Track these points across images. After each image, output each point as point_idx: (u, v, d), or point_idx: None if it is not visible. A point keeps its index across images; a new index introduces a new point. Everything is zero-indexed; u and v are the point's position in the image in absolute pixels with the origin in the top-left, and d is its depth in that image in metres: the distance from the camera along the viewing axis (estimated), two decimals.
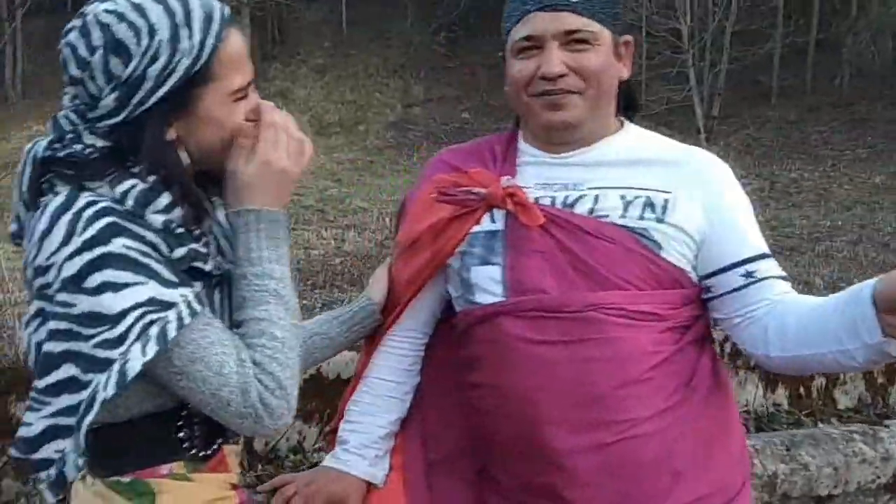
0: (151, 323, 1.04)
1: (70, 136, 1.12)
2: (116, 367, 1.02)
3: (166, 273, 1.08)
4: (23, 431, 1.09)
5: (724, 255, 1.42)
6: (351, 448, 1.55)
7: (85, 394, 1.04)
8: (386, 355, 1.59)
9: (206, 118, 1.14)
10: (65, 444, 1.06)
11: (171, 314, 1.05)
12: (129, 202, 1.09)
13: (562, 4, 1.39)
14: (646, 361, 1.38)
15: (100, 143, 1.11)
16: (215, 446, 1.20)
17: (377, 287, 1.56)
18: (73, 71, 1.11)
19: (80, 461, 1.05)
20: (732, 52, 15.27)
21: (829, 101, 17.13)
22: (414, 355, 1.62)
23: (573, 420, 1.38)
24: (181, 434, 1.15)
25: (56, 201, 1.07)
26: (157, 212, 1.10)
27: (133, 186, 1.09)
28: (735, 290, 1.41)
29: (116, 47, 1.08)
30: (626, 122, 1.51)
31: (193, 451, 1.17)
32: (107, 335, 1.03)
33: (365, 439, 1.55)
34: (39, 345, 1.10)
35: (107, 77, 1.09)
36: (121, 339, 1.02)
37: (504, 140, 1.57)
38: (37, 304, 1.10)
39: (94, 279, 1.03)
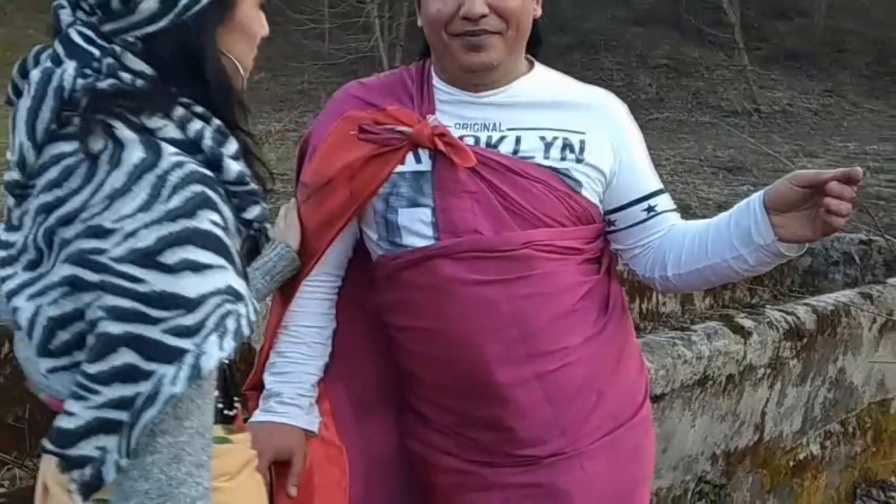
0: (229, 314, 0.90)
1: (108, 60, 0.94)
2: (189, 359, 0.87)
3: (236, 256, 0.94)
4: (62, 422, 0.89)
5: (628, 192, 1.52)
6: (286, 399, 1.49)
7: (145, 386, 0.86)
8: (306, 302, 1.55)
9: (240, 26, 1.04)
10: (108, 440, 0.87)
11: (243, 308, 0.92)
12: (207, 143, 0.95)
13: None
14: (574, 293, 1.47)
15: (143, 66, 0.95)
16: (237, 404, 1.06)
17: (292, 232, 1.49)
18: None
19: (124, 462, 0.87)
20: (411, 5, 15.87)
21: None
22: (331, 299, 1.59)
23: (514, 355, 1.43)
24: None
25: (133, 154, 0.90)
26: (231, 157, 0.97)
27: (204, 126, 0.96)
28: (637, 223, 1.53)
29: None
30: (535, 63, 1.55)
31: (224, 412, 1.07)
32: (181, 321, 0.87)
33: (299, 388, 1.51)
34: (53, 318, 0.92)
35: None
36: (197, 328, 0.87)
37: (416, 76, 1.53)
38: (65, 269, 0.90)
39: (174, 255, 0.87)
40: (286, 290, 1.52)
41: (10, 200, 0.98)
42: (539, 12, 1.50)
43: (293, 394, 1.49)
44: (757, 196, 1.42)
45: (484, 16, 1.39)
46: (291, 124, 13.73)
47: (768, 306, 4.02)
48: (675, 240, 1.52)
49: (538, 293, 1.43)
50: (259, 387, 1.54)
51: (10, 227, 1.00)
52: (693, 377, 2.33)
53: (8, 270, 0.98)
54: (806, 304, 2.80)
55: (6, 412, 2.17)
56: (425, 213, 1.43)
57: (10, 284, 0.96)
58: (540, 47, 1.58)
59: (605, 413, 1.50)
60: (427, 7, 1.44)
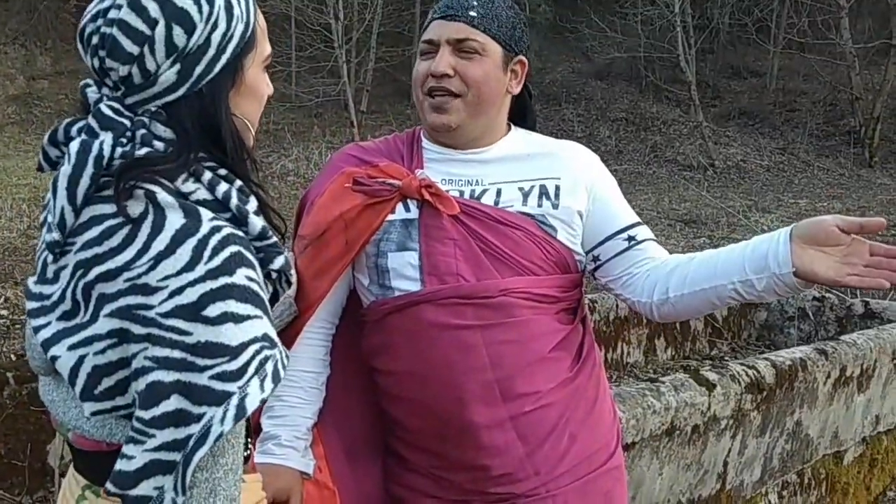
0: (267, 359, 1.00)
1: (142, 131, 1.04)
2: (235, 400, 0.97)
3: (268, 306, 1.05)
4: (122, 465, 0.98)
5: (606, 226, 1.62)
6: (284, 442, 1.55)
7: (195, 427, 0.96)
8: (304, 348, 1.62)
9: (249, 88, 1.13)
10: (164, 480, 0.97)
11: (278, 353, 1.03)
12: (234, 203, 1.05)
13: (459, 16, 1.55)
14: (548, 340, 1.56)
15: (169, 133, 1.05)
16: (250, 445, 1.13)
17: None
18: (129, 48, 1.03)
19: (180, 500, 0.96)
20: (379, 52, 16.14)
21: None
22: (327, 346, 1.66)
23: (490, 397, 1.52)
24: None
25: (175, 220, 1.00)
26: (254, 214, 1.07)
27: (230, 188, 1.06)
28: (619, 253, 1.62)
29: (179, 17, 1.04)
30: (513, 126, 1.68)
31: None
32: (225, 367, 0.97)
33: (295, 432, 1.57)
34: (99, 367, 1.01)
35: (168, 49, 1.04)
36: (240, 373, 0.97)
37: (407, 139, 1.68)
38: (112, 322, 0.99)
39: (216, 309, 0.97)
40: (284, 336, 1.59)
41: (49, 257, 1.06)
42: (516, 90, 1.62)
43: (290, 437, 1.54)
44: (784, 228, 1.48)
45: (447, 75, 1.53)
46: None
47: (728, 358, 4.16)
48: (679, 262, 1.58)
49: (514, 339, 1.51)
50: (257, 430, 1.60)
51: (45, 281, 1.07)
52: (661, 427, 2.42)
53: (41, 320, 1.05)
54: (766, 359, 2.92)
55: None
56: (412, 257, 1.53)
57: (46, 334, 1.04)
58: (528, 121, 1.71)
59: (579, 457, 1.57)
60: (415, 67, 1.61)
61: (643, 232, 1.64)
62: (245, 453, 1.14)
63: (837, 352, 3.15)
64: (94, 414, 1.02)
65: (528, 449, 1.54)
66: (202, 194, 1.05)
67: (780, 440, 3.01)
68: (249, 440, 1.20)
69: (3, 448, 2.26)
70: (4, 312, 5.29)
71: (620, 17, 16.91)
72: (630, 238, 1.62)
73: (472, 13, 1.54)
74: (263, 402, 1.00)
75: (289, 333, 1.58)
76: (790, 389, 2.93)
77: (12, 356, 3.03)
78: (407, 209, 1.55)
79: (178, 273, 0.97)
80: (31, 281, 1.10)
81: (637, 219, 1.66)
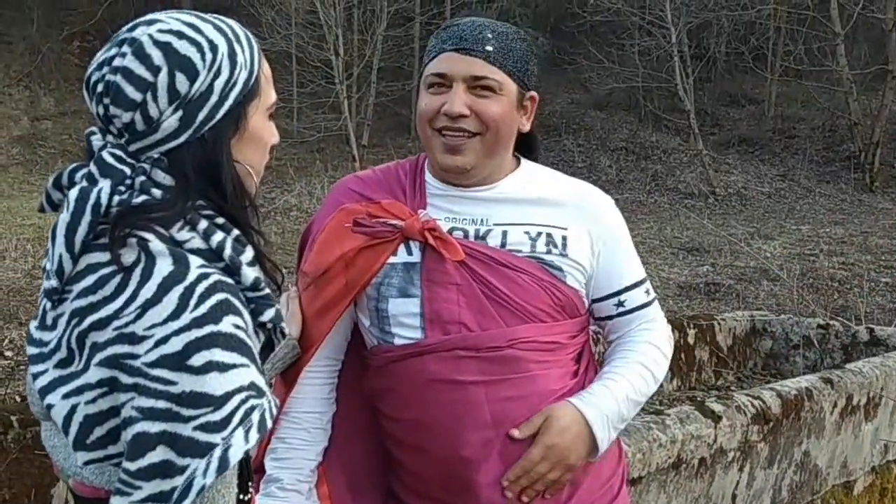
0: (253, 409, 0.99)
1: (141, 178, 1.04)
2: (218, 452, 0.96)
3: (257, 354, 1.04)
4: None
5: (604, 285, 1.59)
6: (286, 485, 1.53)
7: (180, 480, 0.95)
8: (306, 388, 1.59)
9: (252, 135, 1.13)
10: None
11: (266, 402, 1.02)
12: (227, 253, 1.05)
13: (475, 51, 1.48)
14: (553, 394, 1.51)
15: (169, 179, 1.05)
16: (251, 489, 1.13)
17: (293, 321, 1.53)
18: (132, 95, 1.04)
19: None
20: (379, 86, 16.27)
21: None
22: (331, 384, 1.63)
23: (491, 454, 1.48)
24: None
25: (164, 268, 1.00)
26: (249, 265, 1.07)
27: (225, 237, 1.06)
28: (608, 317, 1.62)
29: (183, 64, 1.05)
30: (522, 160, 1.63)
31: (240, 496, 1.10)
32: (210, 417, 0.96)
33: (298, 475, 1.55)
34: (90, 416, 1.00)
35: (171, 95, 1.04)
36: (224, 423, 0.97)
37: (410, 170, 1.62)
38: (102, 371, 0.99)
39: (201, 358, 0.97)
40: (287, 375, 1.57)
41: (48, 303, 1.07)
42: (527, 127, 1.57)
43: (293, 479, 1.52)
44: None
45: (464, 116, 1.47)
46: (259, 200, 13.80)
47: (734, 388, 4.14)
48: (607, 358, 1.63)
49: (518, 395, 1.47)
50: (260, 471, 1.58)
51: (45, 327, 1.08)
52: (668, 460, 2.41)
53: (40, 367, 1.06)
54: (771, 389, 2.91)
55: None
56: (414, 304, 1.49)
57: (43, 381, 1.04)
58: (534, 153, 1.66)
59: (581, 502, 1.55)
60: (419, 102, 1.54)
61: (635, 297, 1.61)
62: (245, 497, 1.14)
63: (843, 380, 3.13)
64: (86, 463, 1.02)
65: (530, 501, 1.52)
66: (196, 243, 1.05)
67: (789, 471, 2.99)
68: (251, 484, 1.20)
69: (7, 493, 2.25)
70: (9, 354, 5.28)
71: (618, 48, 17.04)
72: (619, 304, 1.60)
73: (489, 48, 1.47)
74: (248, 452, 0.99)
75: (292, 373, 1.57)
76: (797, 419, 2.92)
77: (17, 398, 3.02)
78: (409, 252, 1.51)
79: (164, 322, 0.97)
80: (33, 325, 1.11)
81: (636, 279, 1.61)
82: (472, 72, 1.48)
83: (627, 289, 1.60)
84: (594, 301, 1.61)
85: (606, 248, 1.59)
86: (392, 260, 1.52)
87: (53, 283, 1.04)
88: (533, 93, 1.56)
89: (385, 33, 16.24)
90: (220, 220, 1.08)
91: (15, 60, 17.11)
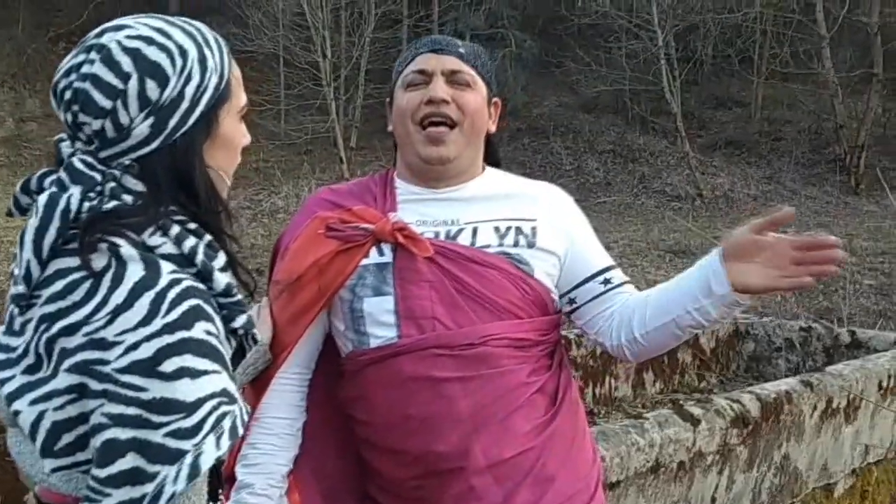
0: (225, 415, 0.99)
1: (111, 185, 1.03)
2: (189, 459, 0.95)
3: (228, 361, 1.04)
4: None
5: (583, 269, 1.63)
6: (258, 490, 1.54)
7: (150, 487, 0.94)
8: (277, 394, 1.61)
9: (224, 139, 1.13)
10: None
11: (237, 409, 1.01)
12: (199, 258, 1.05)
13: (450, 50, 1.59)
14: (527, 389, 1.55)
15: (140, 186, 1.05)
16: (221, 496, 1.13)
17: (264, 328, 1.54)
18: (102, 102, 1.03)
19: None
20: (367, 89, 16.27)
21: None
22: (302, 391, 1.65)
23: (468, 448, 1.51)
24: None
25: (135, 273, 0.99)
26: (221, 270, 1.07)
27: (197, 243, 1.05)
28: (597, 296, 1.63)
29: (152, 70, 1.05)
30: (487, 167, 1.69)
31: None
32: (181, 424, 0.96)
33: (269, 479, 1.56)
34: (58, 423, 1.00)
35: (141, 103, 1.04)
36: (195, 430, 0.96)
37: (380, 180, 1.68)
38: (70, 377, 0.98)
39: (172, 364, 0.96)
40: (257, 382, 1.58)
41: (15, 309, 1.05)
42: (493, 129, 1.65)
43: (264, 485, 1.52)
44: (716, 249, 1.51)
45: (446, 101, 1.55)
46: (247, 202, 13.79)
47: (716, 391, 4.15)
48: (637, 301, 1.60)
49: (493, 390, 1.51)
50: (231, 478, 1.58)
51: (12, 333, 1.06)
52: (646, 464, 2.41)
53: (7, 373, 1.04)
54: (750, 392, 2.92)
55: None
56: (388, 302, 1.52)
57: (10, 387, 1.03)
58: (495, 161, 1.73)
59: (558, 499, 1.55)
60: (398, 101, 1.60)
61: (618, 275, 1.66)
62: None
63: (823, 383, 3.14)
64: (54, 470, 1.01)
65: (505, 493, 1.53)
66: (168, 248, 1.04)
67: (769, 474, 2.99)
68: (221, 491, 1.19)
69: None
70: None
71: (605, 50, 17.10)
72: (606, 281, 1.63)
73: (462, 49, 1.60)
74: (219, 459, 0.98)
75: (263, 380, 1.57)
76: (776, 422, 2.92)
77: None
78: (381, 253, 1.54)
79: (135, 327, 0.96)
80: (0, 331, 1.09)
81: (612, 262, 1.67)
82: (449, 66, 1.58)
83: (610, 268, 1.65)
84: (577, 286, 1.63)
85: (578, 234, 1.65)
86: (364, 262, 1.55)
87: (21, 288, 1.03)
88: (497, 99, 1.67)
89: (373, 35, 16.25)
90: (193, 226, 1.08)
91: (0, 61, 17.03)
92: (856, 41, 17.31)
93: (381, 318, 1.53)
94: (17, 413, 1.01)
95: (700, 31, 17.45)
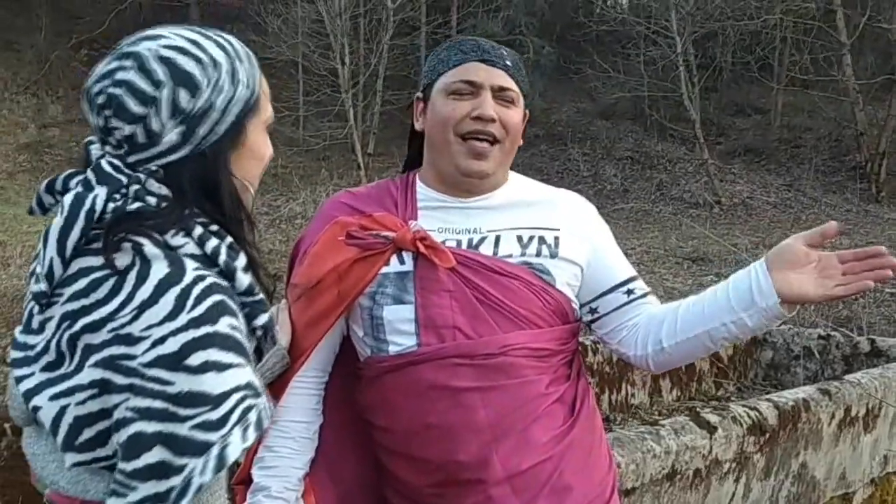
0: (250, 408, 1.01)
1: (135, 187, 1.05)
2: (215, 450, 0.98)
3: (252, 356, 1.06)
4: None
5: (606, 279, 1.63)
6: (274, 493, 1.54)
7: (177, 479, 0.96)
8: (294, 398, 1.60)
9: (251, 150, 1.15)
10: None
11: (262, 402, 1.03)
12: (222, 258, 1.07)
13: (499, 63, 1.56)
14: (546, 399, 1.55)
15: (164, 190, 1.07)
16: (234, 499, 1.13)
17: (283, 331, 1.54)
18: (134, 109, 1.06)
19: None
20: (385, 95, 16.32)
21: None
22: (319, 395, 1.65)
23: (487, 458, 1.51)
24: None
25: (159, 270, 1.01)
26: (242, 270, 1.09)
27: (219, 243, 1.08)
28: (619, 307, 1.63)
29: (185, 80, 1.07)
30: (510, 172, 1.68)
31: None
32: (207, 416, 0.98)
33: (286, 483, 1.56)
34: (80, 417, 1.01)
35: (172, 110, 1.07)
36: (221, 422, 0.98)
37: (401, 185, 1.66)
38: (95, 373, 1.00)
39: (198, 358, 0.98)
40: (275, 386, 1.58)
41: (35, 307, 1.07)
42: (521, 141, 1.63)
43: (280, 488, 1.53)
44: (758, 261, 1.51)
45: (493, 121, 1.53)
46: (265, 207, 13.87)
47: (734, 399, 4.13)
48: (666, 312, 1.60)
49: (512, 400, 1.50)
50: (247, 481, 1.58)
51: (31, 331, 1.08)
52: (662, 471, 2.40)
53: (25, 370, 1.06)
54: (768, 400, 2.90)
55: None
56: (408, 310, 1.51)
57: (28, 384, 1.05)
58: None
59: None
60: (440, 108, 1.56)
61: (641, 286, 1.65)
62: None
63: (841, 391, 3.12)
64: (74, 465, 1.02)
65: (523, 502, 1.52)
66: (191, 248, 1.06)
67: (786, 483, 2.97)
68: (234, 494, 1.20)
69: (0, 500, 2.25)
70: None
71: (623, 57, 17.05)
72: (629, 292, 1.63)
73: (508, 62, 1.57)
74: (245, 451, 1.00)
75: (280, 384, 1.58)
76: (794, 431, 2.90)
77: None
78: (401, 261, 1.54)
79: (161, 322, 0.98)
80: (17, 331, 1.11)
81: (634, 272, 1.66)
82: (499, 82, 1.56)
83: (633, 279, 1.65)
84: (600, 296, 1.62)
85: (601, 244, 1.64)
86: (385, 269, 1.54)
87: (42, 286, 1.04)
88: (526, 110, 1.64)
89: (391, 42, 16.29)
90: (215, 228, 1.10)
91: (23, 68, 17.23)
92: (877, 48, 17.17)
93: (400, 327, 1.52)
94: (36, 409, 1.03)
95: (719, 37, 17.35)
